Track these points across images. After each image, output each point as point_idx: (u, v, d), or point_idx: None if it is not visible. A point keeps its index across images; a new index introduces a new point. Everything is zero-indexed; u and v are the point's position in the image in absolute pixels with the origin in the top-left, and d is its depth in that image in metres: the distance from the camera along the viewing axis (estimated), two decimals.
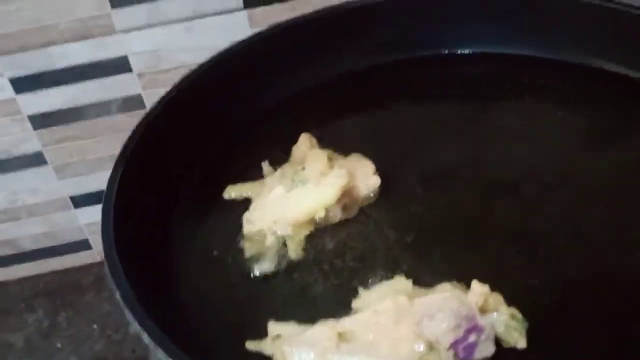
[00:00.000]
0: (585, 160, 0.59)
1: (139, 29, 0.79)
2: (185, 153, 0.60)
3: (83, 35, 0.79)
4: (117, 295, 0.43)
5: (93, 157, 0.87)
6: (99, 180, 0.87)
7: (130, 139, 0.56)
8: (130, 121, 0.84)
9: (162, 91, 0.81)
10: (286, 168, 0.57)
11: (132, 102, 0.84)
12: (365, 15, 0.68)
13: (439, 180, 0.58)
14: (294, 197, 0.54)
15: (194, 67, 0.66)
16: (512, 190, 0.56)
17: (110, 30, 0.79)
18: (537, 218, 0.53)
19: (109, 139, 0.86)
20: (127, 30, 0.79)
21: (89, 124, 0.85)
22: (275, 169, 0.59)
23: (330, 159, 0.57)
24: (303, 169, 0.56)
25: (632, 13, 0.63)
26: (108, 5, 0.77)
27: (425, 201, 0.56)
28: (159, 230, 0.55)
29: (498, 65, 0.69)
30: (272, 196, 0.55)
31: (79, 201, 0.90)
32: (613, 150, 0.59)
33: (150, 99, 0.83)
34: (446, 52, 0.70)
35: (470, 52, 0.70)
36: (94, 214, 0.91)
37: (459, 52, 0.70)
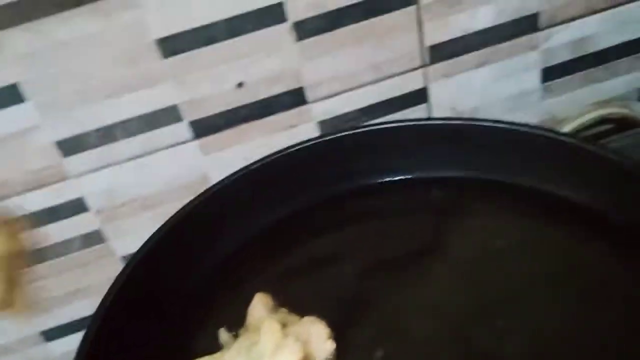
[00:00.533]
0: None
1: (91, 171, 0.81)
2: (133, 334, 0.62)
3: (37, 185, 0.80)
4: None
5: (58, 293, 0.89)
6: (68, 314, 0.89)
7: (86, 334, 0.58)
8: (91, 255, 0.87)
9: (120, 223, 0.84)
10: (242, 341, 0.59)
11: (92, 238, 0.86)
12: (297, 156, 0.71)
13: (398, 335, 0.60)
14: None
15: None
16: (465, 340, 0.59)
17: (63, 177, 0.80)
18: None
19: (72, 274, 0.87)
20: (79, 175, 0.81)
21: (51, 263, 0.86)
22: (234, 334, 0.61)
23: (284, 324, 0.59)
24: (257, 343, 0.58)
25: (556, 138, 0.66)
26: (59, 154, 0.79)
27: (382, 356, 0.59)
28: None
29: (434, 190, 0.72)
30: None
31: (50, 335, 0.92)
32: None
33: (110, 232, 0.86)
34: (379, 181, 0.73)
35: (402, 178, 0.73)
36: (69, 343, 0.92)
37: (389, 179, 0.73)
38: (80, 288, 0.89)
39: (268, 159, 0.70)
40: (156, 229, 0.66)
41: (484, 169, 0.72)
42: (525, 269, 0.64)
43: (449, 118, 0.72)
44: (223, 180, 0.69)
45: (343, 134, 0.71)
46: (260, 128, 0.84)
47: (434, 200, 0.72)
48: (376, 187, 0.73)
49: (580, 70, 0.94)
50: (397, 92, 0.88)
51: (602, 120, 0.99)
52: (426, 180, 0.73)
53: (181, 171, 0.84)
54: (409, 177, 0.73)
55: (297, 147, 0.70)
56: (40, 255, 0.85)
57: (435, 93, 0.89)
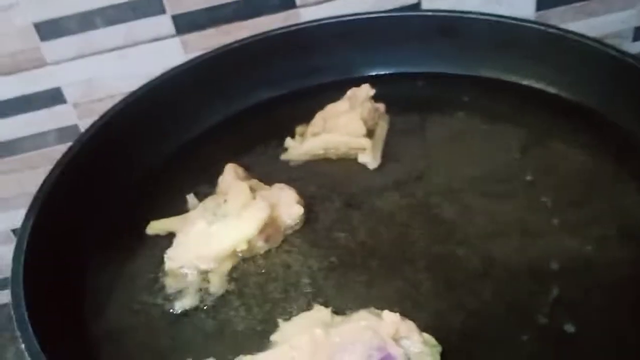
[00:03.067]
0: (505, 178, 0.60)
1: (70, 59, 0.79)
2: (106, 190, 0.61)
3: (13, 70, 0.78)
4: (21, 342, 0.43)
5: (34, 190, 0.86)
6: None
7: (44, 182, 0.56)
8: None
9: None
10: (208, 201, 0.57)
11: (69, 132, 0.84)
12: (285, 42, 0.69)
13: (362, 205, 0.59)
14: (216, 232, 0.54)
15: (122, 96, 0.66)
16: (433, 214, 0.57)
17: (41, 63, 0.78)
18: (454, 242, 0.54)
19: (47, 170, 0.85)
20: (58, 62, 0.79)
21: (26, 156, 0.84)
22: (202, 199, 0.59)
23: (253, 189, 0.58)
24: (225, 201, 0.56)
25: (544, 31, 0.64)
26: (37, 38, 0.77)
27: (348, 227, 0.57)
28: (77, 270, 0.55)
29: (427, 84, 0.71)
30: (194, 231, 0.55)
31: None
32: (531, 162, 0.61)
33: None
34: (372, 74, 0.71)
35: (392, 72, 0.71)
36: None
37: (375, 74, 0.71)
38: None
39: (247, 40, 0.68)
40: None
41: (474, 66, 0.70)
42: (501, 155, 0.62)
43: (441, 10, 0.70)
44: (193, 59, 0.67)
45: (326, 21, 0.69)
46: (247, 29, 0.82)
47: (419, 94, 0.70)
48: (360, 80, 0.71)
49: (575, 1, 0.93)
50: (389, 5, 0.86)
51: None
52: (413, 74, 0.71)
53: (163, 68, 0.81)
54: (396, 71, 0.72)
55: (276, 32, 0.68)
56: (15, 146, 0.83)
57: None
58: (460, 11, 0.70)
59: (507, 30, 0.67)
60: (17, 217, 0.89)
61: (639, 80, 0.60)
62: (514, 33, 0.67)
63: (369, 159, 0.62)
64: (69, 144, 0.83)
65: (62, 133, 0.84)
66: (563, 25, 0.94)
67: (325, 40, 0.70)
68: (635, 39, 0.99)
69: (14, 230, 0.90)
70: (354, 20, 0.70)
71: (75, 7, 0.76)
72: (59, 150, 0.84)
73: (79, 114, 0.83)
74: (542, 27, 0.66)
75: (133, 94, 0.65)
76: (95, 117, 0.82)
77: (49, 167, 0.85)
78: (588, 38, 0.65)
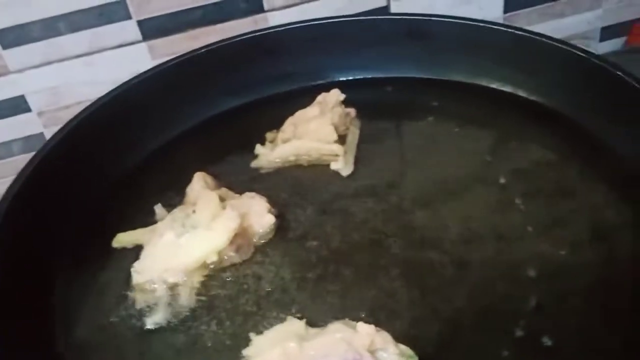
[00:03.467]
0: (477, 182, 0.59)
1: (34, 67, 0.77)
2: (71, 201, 0.58)
3: None
4: None
5: None
6: None
7: (5, 194, 0.54)
8: None
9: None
10: (177, 212, 0.56)
11: (34, 142, 0.81)
12: (252, 47, 0.67)
13: (335, 212, 0.58)
14: (185, 243, 0.53)
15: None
16: (407, 220, 0.56)
17: (3, 71, 0.76)
18: (428, 248, 0.53)
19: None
20: (21, 70, 0.76)
21: None
22: (170, 210, 0.58)
23: (222, 199, 0.56)
24: (194, 212, 0.54)
25: (513, 33, 0.64)
26: None
27: (321, 236, 0.56)
28: (43, 286, 0.53)
29: (396, 89, 0.70)
30: (162, 243, 0.53)
31: None
32: (503, 166, 0.60)
33: None
34: (341, 79, 0.70)
35: (361, 77, 0.70)
36: None
37: (344, 79, 0.70)
38: None
39: (214, 46, 0.66)
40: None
41: (444, 70, 0.69)
42: (473, 159, 0.62)
43: (409, 14, 0.69)
44: (160, 65, 0.66)
45: (294, 26, 0.68)
46: (214, 34, 0.80)
47: (389, 98, 0.69)
48: (329, 85, 0.69)
49: (543, 2, 0.93)
50: (359, 7, 0.85)
51: None
52: (382, 79, 0.70)
53: (130, 74, 0.79)
54: (365, 76, 0.71)
55: (244, 37, 0.67)
56: None
57: (397, 11, 0.87)
58: (429, 15, 0.69)
59: (475, 33, 0.66)
60: None
61: (606, 82, 0.59)
62: (483, 36, 0.66)
63: (342, 165, 0.61)
64: (35, 153, 0.82)
65: (27, 142, 0.81)
66: (530, 27, 0.94)
67: (294, 45, 0.68)
68: (602, 40, 1.00)
69: None
70: (322, 24, 0.69)
71: (39, 13, 0.74)
72: (24, 159, 0.82)
73: (45, 123, 0.81)
74: (511, 30, 0.65)
75: (98, 102, 0.63)
76: (61, 125, 0.81)
77: (14, 177, 0.83)
78: (556, 40, 0.65)
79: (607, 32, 0.99)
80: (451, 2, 0.88)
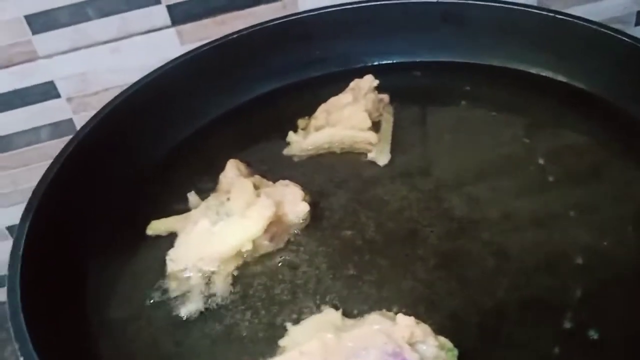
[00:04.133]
0: (514, 168, 0.57)
1: (63, 53, 0.76)
2: (105, 188, 0.57)
3: (5, 64, 0.75)
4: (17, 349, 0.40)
5: (27, 186, 0.83)
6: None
7: (40, 181, 0.53)
8: (62, 147, 0.81)
9: (93, 113, 0.79)
10: (211, 200, 0.54)
11: (63, 127, 0.80)
12: (283, 33, 0.66)
13: (370, 200, 0.56)
14: (219, 231, 0.52)
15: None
16: (443, 209, 0.55)
17: (33, 57, 0.75)
18: (466, 239, 0.52)
19: (42, 166, 0.82)
20: (50, 56, 0.75)
21: (19, 152, 0.81)
22: (203, 199, 0.56)
23: (257, 186, 0.55)
24: (228, 199, 0.53)
25: (554, 17, 0.62)
26: (29, 31, 0.73)
27: (356, 224, 0.54)
28: (76, 273, 0.52)
29: (429, 73, 0.68)
30: (196, 231, 0.52)
31: None
32: (540, 149, 0.58)
33: (82, 123, 0.80)
34: (374, 63, 0.68)
35: (393, 62, 0.68)
36: None
37: (377, 63, 0.68)
38: None
39: (245, 32, 0.65)
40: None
41: (477, 54, 0.67)
42: (508, 144, 0.60)
43: None
44: (192, 51, 0.64)
45: (325, 11, 0.66)
46: (242, 19, 0.79)
47: (422, 83, 0.67)
48: (360, 70, 0.68)
49: None
50: None
51: None
52: (414, 63, 0.68)
53: (158, 60, 0.78)
54: (397, 61, 0.69)
55: (274, 23, 0.65)
56: (7, 143, 0.80)
57: None
58: None
59: (511, 17, 0.64)
60: (11, 214, 0.86)
61: None
62: (518, 20, 0.64)
63: (378, 155, 0.59)
64: (63, 139, 0.81)
65: (55, 128, 0.80)
66: (566, 10, 0.91)
67: (325, 31, 0.67)
68: (637, 24, 0.96)
69: (8, 228, 0.87)
70: (353, 9, 0.67)
71: None
72: (53, 145, 0.81)
73: (74, 108, 0.80)
74: (544, 12, 0.63)
75: (130, 88, 0.61)
76: (90, 111, 0.79)
77: (43, 163, 0.82)
78: (593, 23, 0.62)
79: None
80: None
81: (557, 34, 0.63)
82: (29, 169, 0.82)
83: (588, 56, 0.63)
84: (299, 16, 0.67)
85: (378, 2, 0.67)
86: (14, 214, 0.86)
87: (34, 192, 0.54)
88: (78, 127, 0.80)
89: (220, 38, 0.65)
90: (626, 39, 0.61)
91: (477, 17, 0.65)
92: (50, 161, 0.80)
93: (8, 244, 0.87)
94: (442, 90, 0.67)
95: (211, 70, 0.65)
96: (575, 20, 0.63)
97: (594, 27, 0.63)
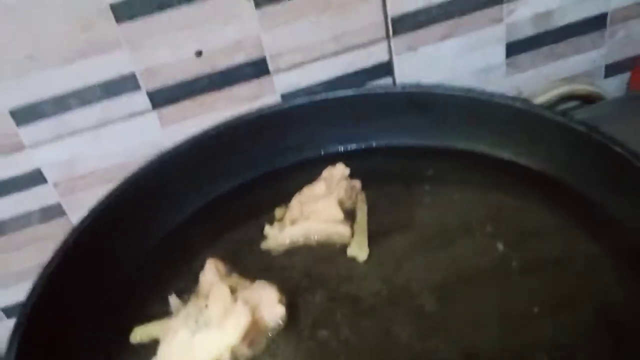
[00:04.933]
0: (481, 259, 0.59)
1: (48, 142, 0.77)
2: (92, 293, 0.59)
3: None
4: None
5: (18, 269, 0.85)
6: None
7: (32, 290, 0.55)
8: (51, 230, 0.83)
9: (80, 196, 0.81)
10: (191, 306, 0.56)
11: (51, 212, 0.82)
12: (258, 125, 0.68)
13: (345, 297, 0.58)
14: (198, 342, 0.53)
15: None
16: (415, 306, 0.56)
17: (19, 147, 0.76)
18: (436, 337, 0.53)
19: (33, 248, 0.83)
20: (35, 145, 0.77)
21: (9, 237, 0.82)
22: (185, 299, 0.58)
23: (234, 289, 0.56)
24: (206, 306, 0.54)
25: (516, 106, 0.63)
26: (13, 123, 0.75)
27: (331, 324, 0.56)
28: None
29: (398, 158, 0.69)
30: (177, 342, 0.53)
31: (11, 312, 0.88)
32: (505, 238, 0.60)
33: (70, 206, 0.82)
34: (347, 149, 0.70)
35: (364, 147, 0.70)
36: None
37: (349, 148, 0.70)
38: (40, 263, 0.84)
39: (221, 126, 0.66)
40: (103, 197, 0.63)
41: (446, 138, 0.69)
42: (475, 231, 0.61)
43: (412, 85, 0.69)
44: (169, 150, 0.66)
45: (299, 102, 0.68)
46: (222, 99, 0.81)
47: (391, 168, 0.68)
48: (333, 156, 0.69)
49: (545, 45, 0.91)
50: (361, 65, 0.85)
51: (568, 97, 0.97)
52: (385, 148, 0.70)
53: (140, 142, 0.80)
54: (367, 146, 0.70)
55: (246, 118, 0.67)
56: None
57: (400, 66, 0.86)
58: (430, 85, 0.68)
59: (473, 104, 0.65)
60: (3, 296, 0.88)
61: (610, 158, 0.58)
62: (483, 106, 0.65)
63: (358, 251, 0.61)
64: (53, 222, 0.83)
65: (45, 212, 0.82)
66: (535, 70, 0.93)
67: (298, 120, 0.68)
68: (607, 76, 0.98)
69: (3, 309, 0.88)
70: (326, 100, 0.68)
71: (50, 91, 0.74)
72: (43, 229, 0.83)
73: (61, 193, 0.81)
74: (506, 101, 0.64)
75: (113, 193, 0.63)
76: (77, 194, 0.81)
77: (34, 246, 0.84)
78: (556, 113, 0.64)
79: (612, 69, 0.98)
80: (455, 52, 0.88)
81: (519, 120, 0.65)
82: (20, 253, 0.84)
83: (549, 141, 0.64)
84: (274, 109, 0.68)
85: (349, 94, 0.69)
86: (5, 296, 0.88)
87: (24, 304, 0.56)
88: (66, 210, 0.82)
89: (194, 135, 0.66)
90: (579, 127, 0.62)
91: (441, 104, 0.66)
92: (41, 242, 0.83)
93: (3, 325, 0.89)
94: (409, 174, 0.68)
95: (189, 166, 0.66)
96: (536, 109, 0.64)
97: (556, 117, 0.64)
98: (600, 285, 0.55)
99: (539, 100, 0.96)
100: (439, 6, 0.83)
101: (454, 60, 0.88)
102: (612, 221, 0.60)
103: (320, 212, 0.62)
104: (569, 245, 0.59)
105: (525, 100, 0.66)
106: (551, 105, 0.96)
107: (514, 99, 0.65)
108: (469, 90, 0.66)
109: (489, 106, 0.64)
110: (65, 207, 0.82)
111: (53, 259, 0.58)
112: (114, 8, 0.71)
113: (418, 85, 0.68)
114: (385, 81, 0.87)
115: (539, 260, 0.58)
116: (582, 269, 0.57)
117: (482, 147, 0.67)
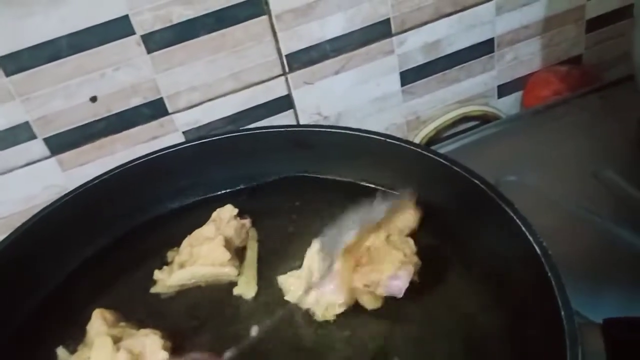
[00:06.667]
0: None
1: None
2: None
3: None
4: None
5: None
6: None
7: None
8: None
9: None
10: (76, 359, 0.55)
11: None
12: (146, 169, 0.67)
13: (231, 337, 0.57)
14: None
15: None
16: (299, 345, 0.56)
17: None
18: None
19: None
20: None
21: None
22: (72, 351, 0.57)
23: (118, 339, 0.56)
24: (89, 358, 0.54)
25: (384, 141, 0.65)
26: None
27: None
28: None
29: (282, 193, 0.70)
30: None
31: None
32: None
33: None
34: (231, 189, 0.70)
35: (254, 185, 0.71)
36: None
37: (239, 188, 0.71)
38: None
39: (110, 173, 0.66)
40: None
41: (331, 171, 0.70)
42: None
43: (294, 125, 0.70)
44: (58, 200, 0.65)
45: (187, 145, 0.68)
46: (122, 141, 0.80)
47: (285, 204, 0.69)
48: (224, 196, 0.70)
49: (437, 71, 0.94)
50: (262, 99, 0.86)
51: (465, 118, 1.00)
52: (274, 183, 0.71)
53: (43, 187, 0.79)
54: (258, 183, 0.71)
55: (134, 163, 0.67)
56: None
57: (299, 99, 0.88)
58: (312, 125, 0.70)
59: (353, 141, 0.67)
60: None
61: (466, 184, 0.60)
62: (360, 143, 0.66)
63: (245, 289, 0.61)
64: None
65: None
66: (431, 94, 0.96)
67: (188, 162, 0.68)
68: (500, 96, 1.02)
69: None
70: (216, 140, 0.69)
71: None
72: None
73: None
74: (382, 138, 0.65)
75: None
76: None
77: None
78: (415, 145, 0.65)
79: (505, 89, 1.01)
80: (350, 84, 0.89)
81: (388, 154, 0.66)
82: None
83: (412, 171, 0.64)
84: (160, 153, 0.68)
85: (237, 134, 0.70)
86: None
87: None
88: None
89: (81, 185, 0.66)
90: (440, 159, 0.63)
91: (326, 142, 0.68)
92: None
93: None
94: (296, 207, 0.69)
95: (77, 214, 0.65)
96: (404, 145, 0.65)
97: (415, 149, 0.65)
98: (468, 314, 0.56)
99: (437, 123, 0.99)
100: (330, 42, 0.84)
101: (350, 91, 0.90)
102: (473, 246, 0.60)
103: (206, 255, 0.62)
104: (434, 267, 0.60)
105: (395, 137, 0.66)
106: (448, 126, 0.99)
107: (386, 135, 0.66)
108: (347, 128, 0.67)
109: (365, 142, 0.65)
110: None
111: None
112: (1, 61, 0.70)
113: (301, 126, 0.69)
114: (287, 113, 0.88)
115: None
116: (449, 292, 0.58)
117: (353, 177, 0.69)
